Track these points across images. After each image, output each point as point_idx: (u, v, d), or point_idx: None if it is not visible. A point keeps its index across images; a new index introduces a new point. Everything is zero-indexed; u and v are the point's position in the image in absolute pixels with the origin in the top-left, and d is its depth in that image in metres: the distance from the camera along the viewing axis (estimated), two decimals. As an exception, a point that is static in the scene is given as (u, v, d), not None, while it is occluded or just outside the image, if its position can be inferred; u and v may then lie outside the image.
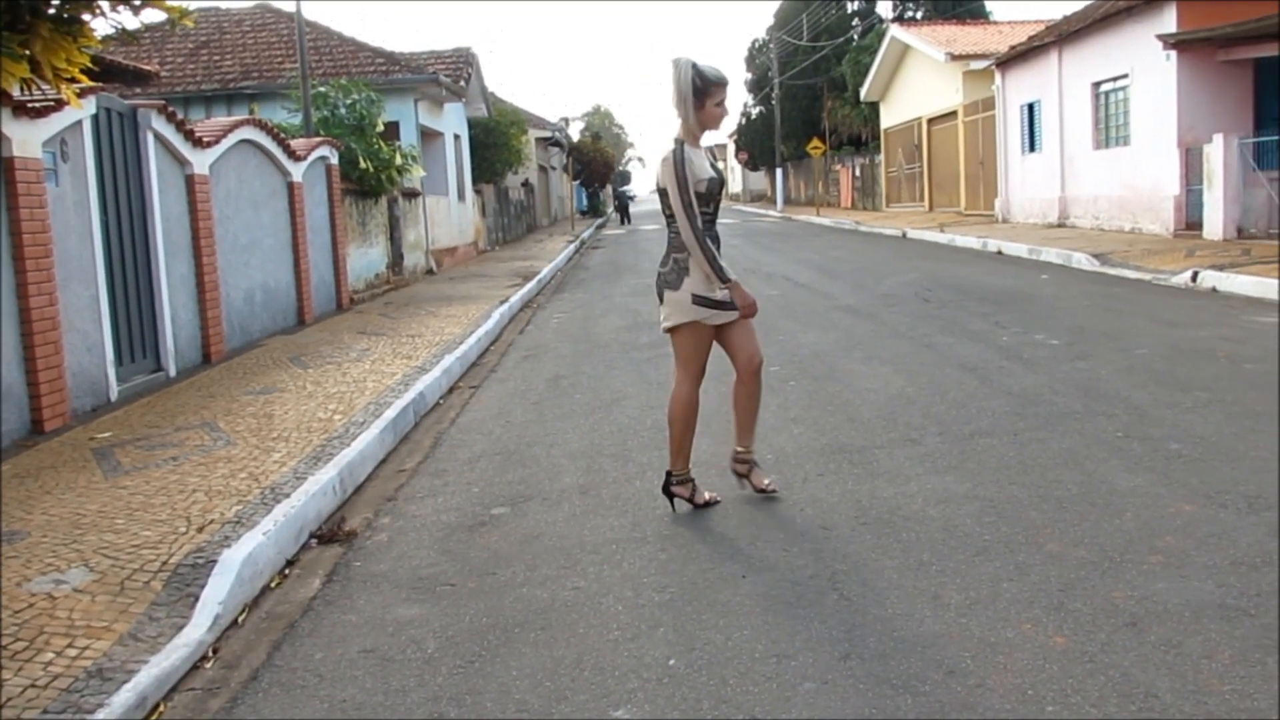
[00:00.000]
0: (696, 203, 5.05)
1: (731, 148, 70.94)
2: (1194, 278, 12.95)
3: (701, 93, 5.04)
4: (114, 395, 8.55)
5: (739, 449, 5.45)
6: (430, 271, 21.22)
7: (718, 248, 5.15)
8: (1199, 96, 18.64)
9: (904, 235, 26.21)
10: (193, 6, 6.62)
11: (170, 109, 10.01)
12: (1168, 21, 18.72)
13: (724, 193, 5.25)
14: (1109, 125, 22.03)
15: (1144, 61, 19.66)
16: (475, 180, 28.35)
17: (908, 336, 10.15)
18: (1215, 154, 17.19)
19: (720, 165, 5.26)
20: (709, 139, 5.51)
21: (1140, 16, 19.64)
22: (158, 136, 9.73)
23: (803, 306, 12.78)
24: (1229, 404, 6.71)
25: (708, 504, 5.35)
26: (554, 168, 50.75)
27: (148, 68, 13.43)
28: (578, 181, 53.98)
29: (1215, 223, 17.38)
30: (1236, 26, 16.75)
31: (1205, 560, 4.19)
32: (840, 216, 37.63)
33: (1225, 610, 3.73)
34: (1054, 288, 13.53)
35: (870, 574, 4.31)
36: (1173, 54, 18.61)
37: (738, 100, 62.42)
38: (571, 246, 28.74)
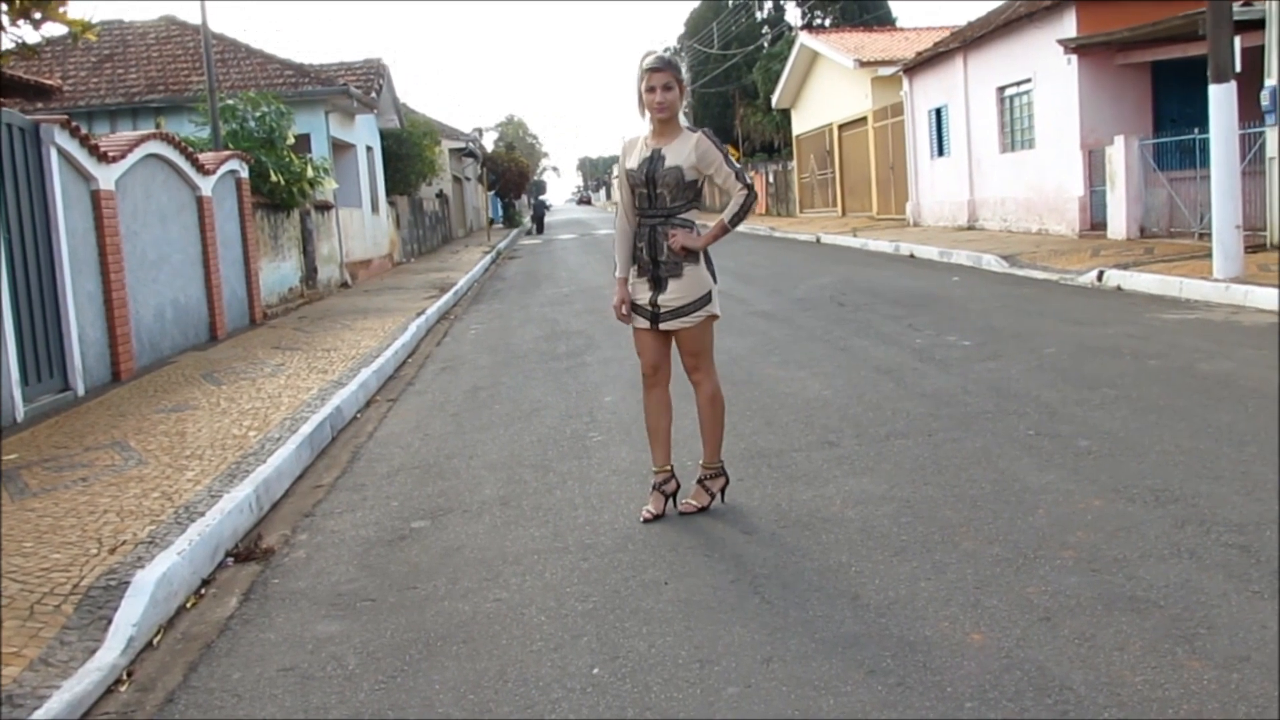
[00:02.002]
0: (627, 194, 5.25)
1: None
2: (1099, 277, 13.25)
3: (641, 81, 5.09)
4: (20, 416, 8.34)
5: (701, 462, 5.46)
6: (345, 285, 21.00)
7: (650, 240, 5.17)
8: (1100, 99, 19.10)
9: (818, 240, 26.48)
10: (95, 19, 6.49)
11: (74, 124, 9.80)
12: (1068, 26, 19.15)
13: (656, 182, 5.05)
14: (1014, 129, 22.47)
15: (1046, 66, 20.09)
16: (389, 192, 28.11)
17: (823, 340, 10.25)
18: (1117, 155, 17.61)
19: (681, 157, 5.08)
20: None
21: (1041, 22, 20.07)
22: (61, 152, 9.52)
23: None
24: (1134, 400, 6.87)
25: (646, 518, 5.26)
26: (468, 178, 50.52)
27: (49, 82, 13.18)
28: (492, 192, 53.78)
29: (1118, 223, 17.80)
30: (1134, 30, 17.18)
31: (1115, 554, 4.29)
32: (755, 222, 37.89)
33: (1136, 602, 3.82)
34: (965, 289, 13.76)
35: (791, 577, 4.35)
36: (1073, 58, 19.05)
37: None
38: (488, 257, 28.62)
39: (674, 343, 5.36)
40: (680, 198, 5.15)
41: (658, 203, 5.15)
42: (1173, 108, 18.68)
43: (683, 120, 5.21)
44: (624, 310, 5.35)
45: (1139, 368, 7.91)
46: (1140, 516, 4.71)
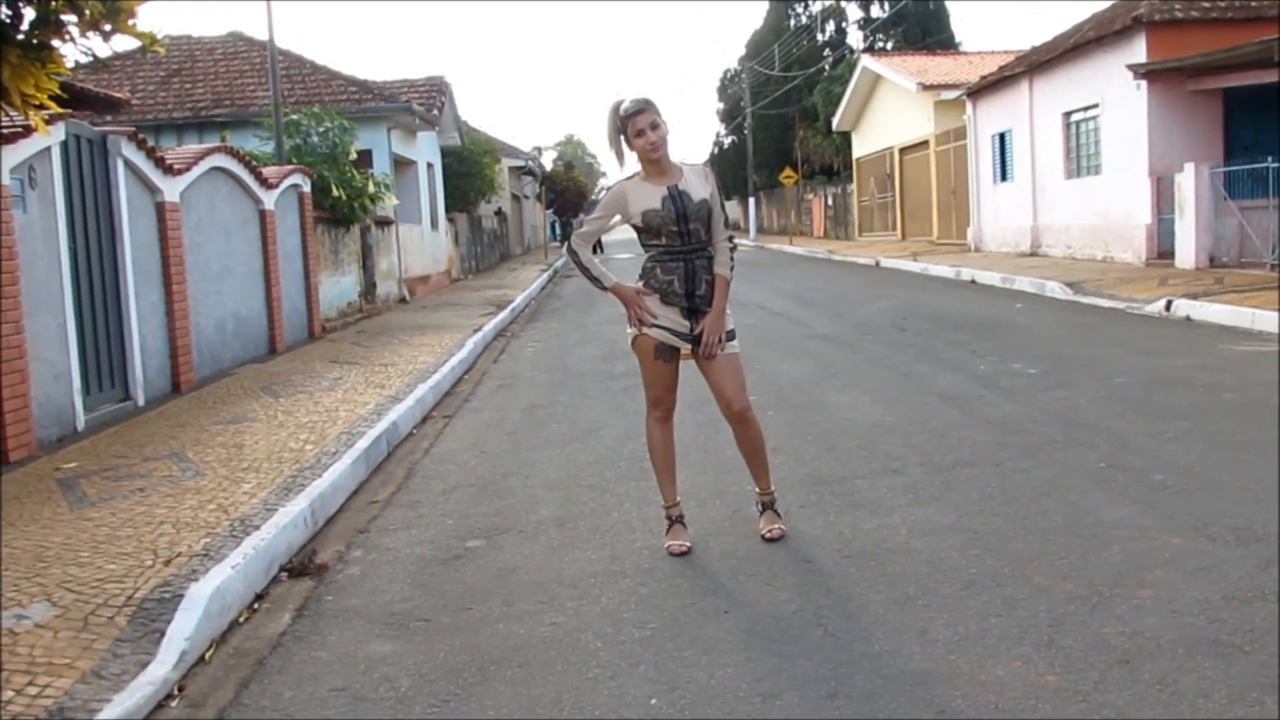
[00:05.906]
0: (642, 235, 5.10)
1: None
2: (1168, 306, 12.97)
3: (624, 130, 4.99)
4: (81, 425, 8.39)
5: (756, 489, 5.35)
6: (403, 300, 21.10)
7: (687, 274, 5.02)
8: (1169, 126, 18.77)
9: (877, 264, 26.26)
10: (164, 34, 6.50)
11: (141, 136, 9.89)
12: (1138, 51, 18.86)
13: (690, 218, 4.93)
14: (1080, 154, 22.16)
15: (1114, 91, 19.80)
16: (448, 209, 28.26)
17: (885, 365, 10.10)
18: (1187, 183, 17.29)
19: (702, 190, 5.05)
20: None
21: (1110, 46, 19.79)
22: (128, 163, 9.60)
23: (779, 335, 12.73)
24: (1210, 433, 6.67)
25: (683, 551, 5.07)
26: (527, 196, 50.74)
27: (118, 95, 13.34)
28: (551, 210, 54.04)
29: (1187, 251, 17.46)
30: (1206, 56, 16.87)
31: (1196, 594, 4.11)
32: (813, 245, 37.74)
33: (1220, 646, 3.65)
34: (1029, 316, 13.53)
35: (855, 609, 4.22)
36: (1143, 84, 18.75)
37: (709, 130, 62.69)
38: (545, 275, 28.67)
39: (678, 377, 5.20)
40: (707, 230, 5.11)
41: (692, 238, 5.05)
42: (1245, 135, 18.30)
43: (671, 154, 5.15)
44: (644, 306, 5.08)
45: (1212, 400, 7.69)
46: (1221, 556, 4.53)
